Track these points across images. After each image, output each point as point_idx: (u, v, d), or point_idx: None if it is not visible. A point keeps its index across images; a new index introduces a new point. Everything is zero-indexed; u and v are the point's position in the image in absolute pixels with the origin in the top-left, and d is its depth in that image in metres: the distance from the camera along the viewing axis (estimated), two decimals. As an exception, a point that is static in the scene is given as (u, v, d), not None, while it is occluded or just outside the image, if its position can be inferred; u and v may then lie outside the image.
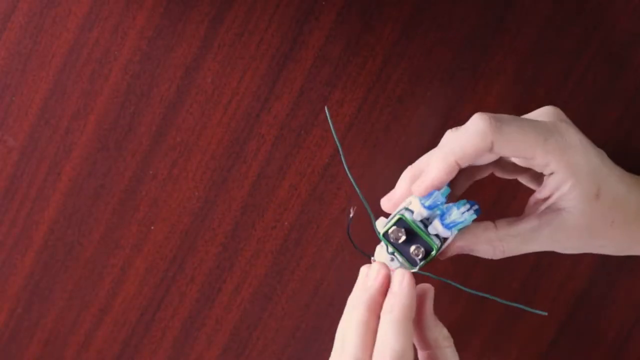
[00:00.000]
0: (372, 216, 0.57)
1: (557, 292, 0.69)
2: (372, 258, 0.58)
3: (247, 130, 0.70)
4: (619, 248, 0.60)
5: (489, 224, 0.58)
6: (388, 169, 0.69)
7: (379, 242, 0.58)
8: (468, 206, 0.56)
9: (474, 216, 0.56)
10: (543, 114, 0.60)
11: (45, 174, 0.71)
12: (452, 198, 0.60)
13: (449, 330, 0.56)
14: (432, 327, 0.56)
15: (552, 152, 0.55)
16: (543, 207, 0.58)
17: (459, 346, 0.69)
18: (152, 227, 0.71)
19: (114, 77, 0.70)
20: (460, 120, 0.68)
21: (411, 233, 0.55)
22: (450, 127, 0.68)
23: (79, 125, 0.71)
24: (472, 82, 0.68)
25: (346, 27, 0.68)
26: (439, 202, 0.55)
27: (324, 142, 0.69)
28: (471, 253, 0.58)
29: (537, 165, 0.57)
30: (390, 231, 0.55)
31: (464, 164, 0.55)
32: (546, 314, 0.60)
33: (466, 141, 0.55)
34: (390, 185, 0.68)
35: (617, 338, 0.69)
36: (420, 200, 0.56)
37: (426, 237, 0.55)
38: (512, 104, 0.67)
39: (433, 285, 0.57)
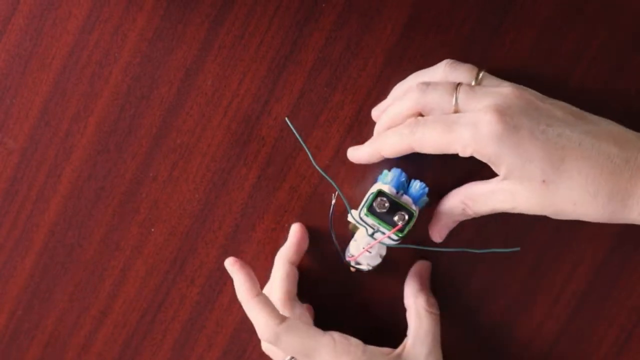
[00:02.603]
0: (347, 205, 0.64)
1: (557, 294, 0.69)
2: (349, 260, 0.66)
3: (247, 132, 0.70)
4: (600, 218, 0.57)
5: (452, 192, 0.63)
6: (388, 171, 0.69)
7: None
8: (419, 181, 0.65)
9: (426, 189, 0.64)
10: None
11: (45, 176, 0.71)
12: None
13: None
14: (415, 287, 0.67)
15: (474, 150, 0.58)
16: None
17: (457, 351, 0.70)
18: (153, 229, 0.71)
19: (114, 79, 0.70)
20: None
21: (392, 203, 0.63)
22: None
23: (79, 128, 0.71)
24: (472, 84, 0.68)
25: (346, 28, 0.68)
26: (402, 179, 0.64)
27: (324, 144, 0.69)
28: (452, 220, 0.64)
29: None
30: (375, 203, 0.63)
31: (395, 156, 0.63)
32: (518, 249, 0.67)
33: (392, 145, 0.62)
34: (390, 186, 0.68)
35: (618, 340, 0.69)
36: (388, 184, 0.65)
37: (405, 205, 0.63)
38: (513, 105, 0.67)
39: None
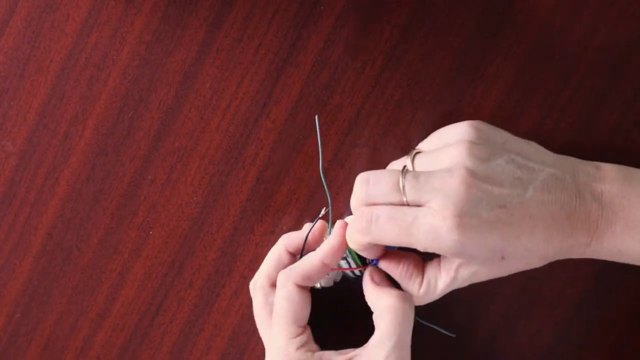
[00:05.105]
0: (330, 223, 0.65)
1: (556, 298, 0.69)
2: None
3: (245, 135, 0.70)
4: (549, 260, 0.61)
5: (416, 284, 0.62)
6: (387, 174, 0.69)
7: None
8: None
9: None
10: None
11: (43, 179, 0.71)
12: None
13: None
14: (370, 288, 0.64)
15: (435, 250, 0.58)
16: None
17: (457, 355, 0.70)
18: (151, 232, 0.71)
19: (112, 82, 0.70)
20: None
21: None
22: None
23: (77, 130, 0.71)
24: (471, 87, 0.68)
25: (345, 31, 0.68)
26: None
27: (322, 147, 0.69)
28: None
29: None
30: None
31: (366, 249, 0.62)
32: (454, 335, 0.68)
33: (357, 241, 0.61)
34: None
35: (617, 343, 0.69)
36: None
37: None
38: (511, 108, 0.67)
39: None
